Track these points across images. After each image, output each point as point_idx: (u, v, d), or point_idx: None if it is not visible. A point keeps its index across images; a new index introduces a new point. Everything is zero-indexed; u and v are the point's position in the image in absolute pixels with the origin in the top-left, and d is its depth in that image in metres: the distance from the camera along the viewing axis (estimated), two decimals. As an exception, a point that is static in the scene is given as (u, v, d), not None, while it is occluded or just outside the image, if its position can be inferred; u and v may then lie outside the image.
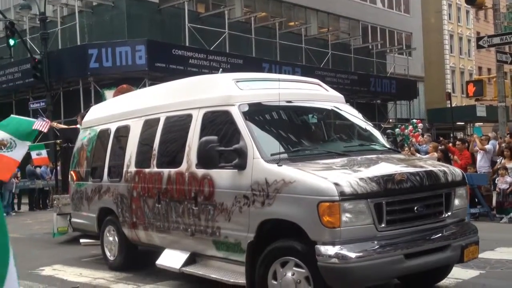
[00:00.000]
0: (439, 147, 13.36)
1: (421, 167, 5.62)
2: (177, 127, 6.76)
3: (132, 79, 18.50)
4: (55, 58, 20.56)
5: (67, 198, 10.01)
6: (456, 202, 5.62)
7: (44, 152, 16.97)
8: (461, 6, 46.95)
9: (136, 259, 7.64)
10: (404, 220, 5.10)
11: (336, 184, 4.75)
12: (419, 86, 37.67)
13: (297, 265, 4.99)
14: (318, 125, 6.64)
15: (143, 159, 7.14)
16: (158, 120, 7.00)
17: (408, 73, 35.81)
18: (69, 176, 9.25)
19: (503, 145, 13.31)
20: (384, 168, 5.41)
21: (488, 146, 12.94)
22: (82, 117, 12.45)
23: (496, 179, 12.02)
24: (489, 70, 45.97)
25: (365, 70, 32.18)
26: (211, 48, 22.58)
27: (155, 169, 6.80)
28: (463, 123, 40.63)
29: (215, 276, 5.77)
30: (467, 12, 48.55)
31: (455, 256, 5.35)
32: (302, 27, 29.40)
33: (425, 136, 17.26)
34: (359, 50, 32.46)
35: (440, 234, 5.33)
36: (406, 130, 17.55)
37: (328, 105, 6.75)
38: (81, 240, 8.80)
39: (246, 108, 5.85)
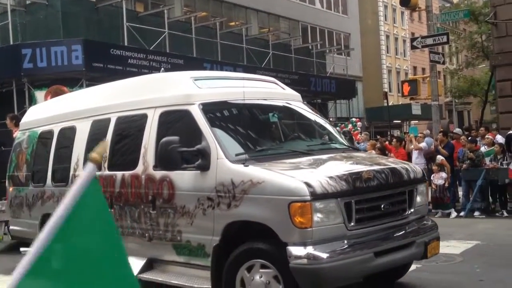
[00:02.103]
0: (377, 145, 13.72)
1: (385, 165, 5.65)
2: (131, 127, 6.51)
3: (68, 80, 17.94)
4: (-14, 59, 19.67)
5: (1, 205, 9.59)
6: (418, 199, 5.67)
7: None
8: (396, 8, 48.41)
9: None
10: (371, 219, 5.12)
11: (307, 184, 4.68)
12: (357, 86, 38.51)
13: (263, 266, 4.90)
14: (279, 124, 6.53)
15: None
16: (108, 120, 6.68)
17: (347, 73, 36.55)
18: (7, 181, 8.80)
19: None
20: (350, 166, 5.41)
21: (422, 144, 13.38)
22: (12, 119, 11.96)
23: (432, 176, 12.45)
24: (423, 69, 47.62)
25: (306, 70, 32.60)
26: (150, 48, 22.22)
27: (107, 172, 6.45)
28: (399, 121, 41.91)
29: (176, 282, 5.57)
30: (402, 13, 50.11)
31: (419, 253, 5.42)
32: (243, 27, 29.45)
33: (362, 134, 17.69)
34: (299, 50, 32.85)
35: (404, 231, 5.37)
36: (345, 129, 17.92)
37: (287, 104, 6.67)
38: (21, 249, 8.43)
39: (207, 107, 5.67)
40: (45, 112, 8.33)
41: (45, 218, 7.46)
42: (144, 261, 6.00)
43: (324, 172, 5.05)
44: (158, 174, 5.78)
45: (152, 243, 5.94)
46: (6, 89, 20.41)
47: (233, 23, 29.80)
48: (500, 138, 13.20)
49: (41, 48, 18.93)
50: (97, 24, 21.99)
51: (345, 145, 6.45)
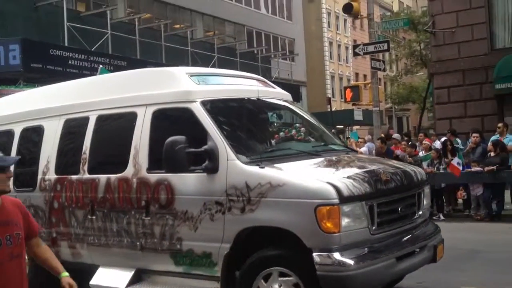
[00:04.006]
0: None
1: (396, 167, 5.45)
2: (115, 127, 6.00)
3: (5, 80, 17.29)
4: None
5: None
6: (425, 201, 5.53)
7: None
8: (339, 15, 49.41)
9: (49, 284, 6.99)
10: (390, 222, 4.91)
11: (334, 186, 4.42)
12: (302, 91, 38.97)
13: (282, 274, 4.59)
14: (279, 123, 6.27)
15: (66, 164, 6.17)
16: (86, 119, 6.08)
17: (292, 78, 36.95)
18: None
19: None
20: (366, 168, 5.11)
21: (363, 149, 13.69)
22: None
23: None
24: (365, 76, 48.79)
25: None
26: (92, 49, 21.71)
27: (87, 176, 5.89)
28: (342, 127, 42.75)
29: None
30: (345, 20, 51.21)
31: (430, 256, 5.24)
32: (188, 30, 29.25)
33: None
34: (244, 54, 32.95)
35: (417, 235, 5.21)
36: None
37: (283, 103, 6.36)
38: None
39: (209, 105, 5.24)
40: (1, 110, 7.51)
41: None
42: (133, 272, 5.50)
43: (345, 174, 4.80)
44: (154, 177, 5.31)
45: (143, 253, 5.43)
46: None
47: (178, 26, 29.54)
48: (438, 144, 13.66)
49: (-25, 47, 18.13)
50: (36, 23, 21.26)
51: (345, 146, 6.24)
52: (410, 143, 14.39)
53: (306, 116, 6.65)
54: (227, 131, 5.13)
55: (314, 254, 4.38)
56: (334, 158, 5.43)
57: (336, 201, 4.37)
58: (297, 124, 7.19)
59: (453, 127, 15.04)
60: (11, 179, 3.22)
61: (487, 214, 11.66)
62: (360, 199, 4.54)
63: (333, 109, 38.13)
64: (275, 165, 4.87)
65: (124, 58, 22.32)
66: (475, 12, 16.48)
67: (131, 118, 5.68)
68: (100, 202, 5.75)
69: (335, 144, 6.22)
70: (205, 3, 31.02)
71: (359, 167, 5.13)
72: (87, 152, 5.97)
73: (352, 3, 17.66)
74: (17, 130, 6.90)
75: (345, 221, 4.41)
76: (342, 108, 43.73)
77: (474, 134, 12.48)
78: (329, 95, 43.49)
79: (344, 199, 4.41)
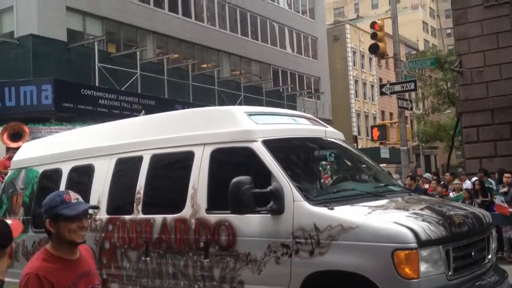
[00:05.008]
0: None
1: (464, 209, 5.32)
2: (171, 166, 5.96)
3: (37, 119, 17.72)
4: (-47, 96, 19.29)
5: None
6: (493, 245, 5.36)
7: None
8: (364, 54, 49.66)
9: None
10: (465, 267, 4.71)
11: (411, 230, 4.25)
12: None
13: None
14: (337, 163, 6.14)
15: (118, 204, 6.09)
16: (140, 158, 6.00)
17: (318, 116, 36.95)
18: None
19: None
20: (438, 211, 4.94)
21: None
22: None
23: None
24: (391, 114, 48.65)
25: (276, 112, 32.88)
26: (122, 89, 22.18)
27: (141, 216, 5.75)
28: (368, 164, 42.42)
29: None
30: (370, 59, 51.43)
31: None
32: (215, 70, 29.72)
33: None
34: (270, 93, 33.24)
35: (489, 280, 5.00)
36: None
37: (339, 143, 6.26)
38: None
39: (270, 145, 5.15)
40: (47, 149, 7.46)
41: None
42: None
43: (419, 217, 4.62)
44: (213, 217, 5.16)
45: None
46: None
47: (205, 65, 30.05)
48: (469, 184, 13.42)
49: (10, 87, 18.72)
50: (68, 64, 21.88)
51: (403, 187, 6.10)
52: (442, 182, 14.14)
53: (362, 156, 6.52)
54: (291, 171, 5.01)
55: None
56: (399, 199, 5.28)
57: (414, 245, 4.20)
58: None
59: (483, 166, 14.79)
60: (86, 228, 2.98)
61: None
62: (437, 243, 4.38)
63: (360, 147, 37.99)
64: (343, 206, 4.73)
65: (153, 98, 22.72)
66: (503, 52, 16.39)
67: (187, 157, 5.58)
68: (155, 243, 5.60)
69: (393, 185, 6.07)
70: (231, 43, 31.59)
71: (430, 210, 4.95)
72: (141, 191, 5.84)
73: (378, 43, 17.76)
74: (65, 169, 6.82)
75: (423, 267, 4.24)
76: (369, 146, 43.47)
77: (506, 175, 12.24)
78: (355, 133, 43.38)
79: (422, 243, 4.25)
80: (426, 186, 13.52)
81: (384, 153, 38.81)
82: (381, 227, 4.34)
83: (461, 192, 12.86)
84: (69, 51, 22.20)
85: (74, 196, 2.95)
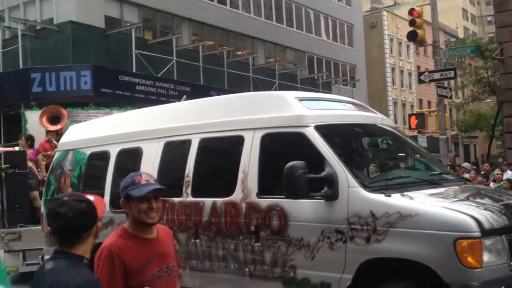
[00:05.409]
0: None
1: None
2: (220, 150, 6.02)
3: (76, 104, 18.06)
4: (-4, 82, 19.84)
5: (16, 232, 9.14)
6: None
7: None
8: (402, 41, 48.79)
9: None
10: None
11: (474, 218, 4.19)
12: (363, 117, 38.57)
13: None
14: (390, 150, 6.09)
15: (167, 186, 5.98)
16: (188, 142, 6.04)
17: (353, 104, 36.60)
18: (42, 207, 7.97)
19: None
20: (498, 199, 4.87)
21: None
22: (27, 139, 11.81)
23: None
24: (429, 102, 47.75)
25: (311, 100, 32.69)
26: (158, 75, 22.38)
27: (191, 199, 5.82)
28: (404, 154, 41.84)
29: None
30: (408, 46, 50.50)
31: None
32: (250, 57, 29.67)
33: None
34: (305, 80, 33.02)
35: None
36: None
37: (390, 129, 6.14)
38: None
39: (323, 130, 5.10)
40: (94, 132, 7.57)
41: (94, 248, 6.81)
42: None
43: (480, 205, 4.54)
44: (264, 202, 5.17)
45: (252, 279, 5.25)
46: (14, 112, 20.51)
47: (240, 53, 30.05)
48: (510, 174, 13.09)
49: (50, 73, 19.08)
50: (106, 50, 22.19)
51: (454, 175, 6.00)
52: (482, 172, 13.82)
53: (414, 143, 6.42)
54: (345, 157, 4.96)
55: None
56: (457, 187, 5.19)
57: (478, 234, 4.14)
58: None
59: (525, 157, 14.41)
60: (155, 209, 3.02)
61: None
62: (500, 232, 4.29)
63: (395, 136, 37.52)
64: (400, 193, 4.66)
65: (188, 84, 22.85)
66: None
67: (237, 142, 5.59)
68: (205, 226, 5.64)
69: (448, 173, 5.96)
70: (266, 30, 31.46)
71: (491, 198, 4.86)
72: (190, 175, 5.88)
73: (417, 30, 17.36)
74: (113, 151, 6.89)
75: (486, 256, 4.18)
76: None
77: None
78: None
79: (485, 232, 4.18)
80: (466, 175, 13.24)
81: (422, 142, 38.14)
82: (443, 215, 4.27)
83: (502, 182, 12.57)
84: (107, 37, 22.51)
85: (145, 178, 3.05)
